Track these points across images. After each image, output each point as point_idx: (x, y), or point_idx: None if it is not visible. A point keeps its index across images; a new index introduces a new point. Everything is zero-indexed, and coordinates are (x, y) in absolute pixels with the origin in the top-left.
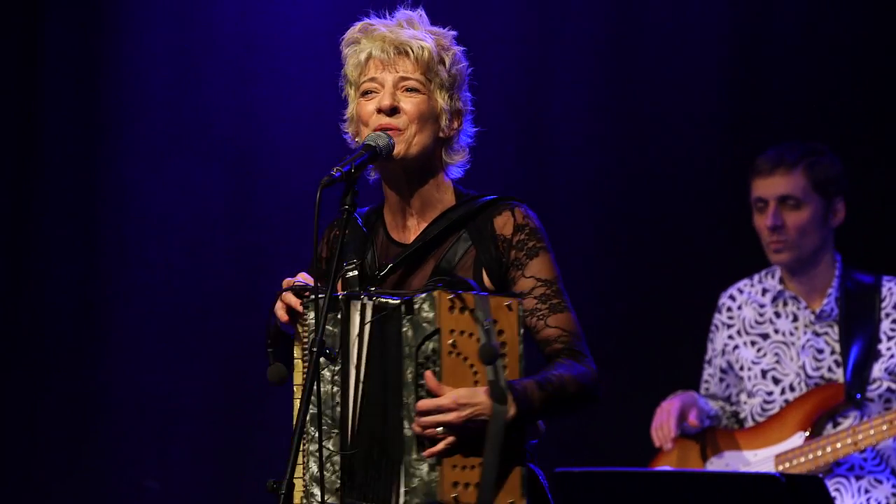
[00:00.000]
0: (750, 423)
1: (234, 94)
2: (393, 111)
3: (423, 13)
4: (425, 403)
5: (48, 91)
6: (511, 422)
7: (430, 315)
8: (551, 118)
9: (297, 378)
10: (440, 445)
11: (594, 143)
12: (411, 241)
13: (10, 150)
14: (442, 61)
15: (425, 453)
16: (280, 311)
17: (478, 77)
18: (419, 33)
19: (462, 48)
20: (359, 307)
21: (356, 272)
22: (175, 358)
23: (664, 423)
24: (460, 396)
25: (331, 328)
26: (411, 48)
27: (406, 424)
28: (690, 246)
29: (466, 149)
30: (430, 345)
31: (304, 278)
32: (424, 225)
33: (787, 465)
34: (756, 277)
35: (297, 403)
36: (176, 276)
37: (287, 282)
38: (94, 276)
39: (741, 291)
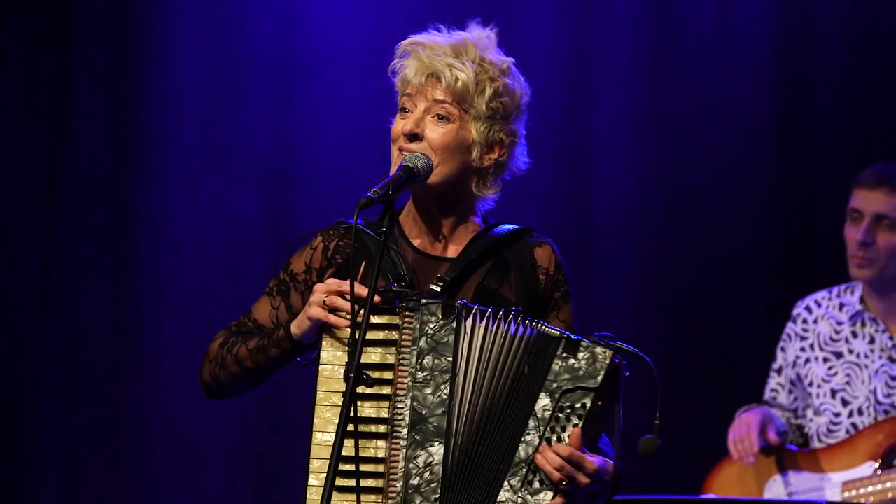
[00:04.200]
0: (816, 443)
1: (270, 115)
2: (413, 137)
3: (491, 35)
4: (573, 454)
5: (81, 112)
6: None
7: (595, 371)
8: (592, 136)
9: (324, 384)
10: (557, 499)
11: (636, 161)
12: (447, 255)
13: (44, 171)
14: (482, 92)
15: (543, 500)
16: (319, 311)
17: None
18: (459, 62)
19: (522, 78)
20: (474, 317)
21: (403, 288)
22: None
23: (745, 436)
24: (602, 470)
25: (441, 334)
26: (444, 76)
27: (521, 449)
28: (735, 268)
29: (499, 184)
30: (582, 399)
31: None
32: (458, 244)
33: (854, 493)
34: (835, 291)
35: (317, 412)
36: (210, 299)
37: (319, 287)
38: (128, 300)
39: (818, 304)
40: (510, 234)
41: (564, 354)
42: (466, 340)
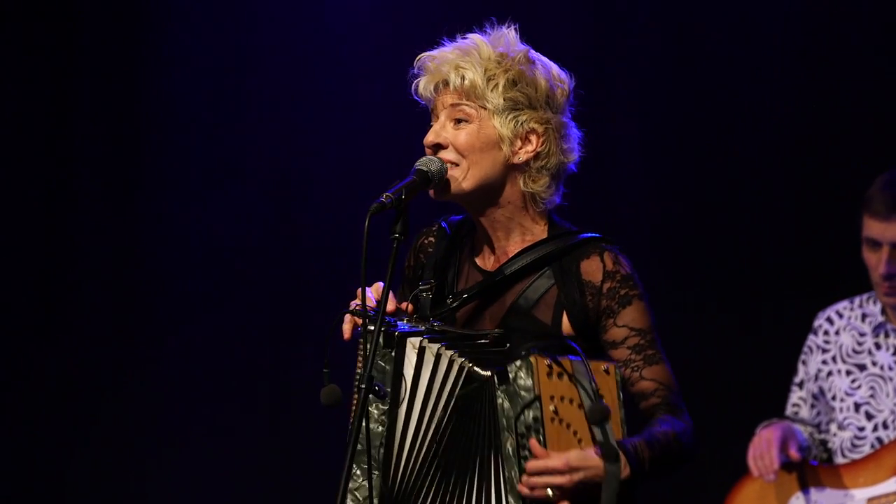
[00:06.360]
0: (839, 458)
1: (278, 118)
2: (437, 148)
3: (507, 32)
4: (535, 465)
5: (85, 116)
6: (624, 483)
7: (528, 383)
8: (611, 137)
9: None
10: None
11: (655, 163)
12: (492, 269)
13: (46, 177)
14: (495, 85)
15: None
16: (346, 326)
17: None
18: (464, 61)
19: (549, 66)
20: (420, 349)
21: (429, 294)
22: (218, 392)
23: (765, 452)
24: (571, 459)
25: (382, 363)
26: (450, 79)
27: (511, 500)
28: (758, 276)
29: (549, 172)
30: (531, 413)
31: (374, 293)
32: (507, 254)
33: None
34: (857, 300)
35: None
36: (217, 307)
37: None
38: (133, 308)
39: (840, 315)
40: (564, 248)
41: (503, 386)
42: (410, 372)
